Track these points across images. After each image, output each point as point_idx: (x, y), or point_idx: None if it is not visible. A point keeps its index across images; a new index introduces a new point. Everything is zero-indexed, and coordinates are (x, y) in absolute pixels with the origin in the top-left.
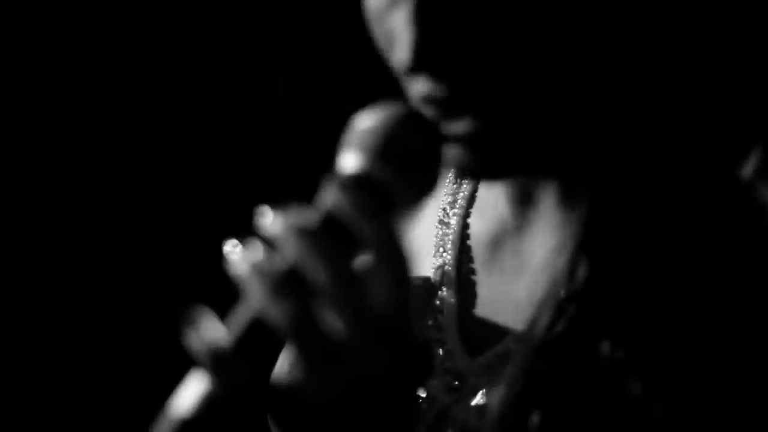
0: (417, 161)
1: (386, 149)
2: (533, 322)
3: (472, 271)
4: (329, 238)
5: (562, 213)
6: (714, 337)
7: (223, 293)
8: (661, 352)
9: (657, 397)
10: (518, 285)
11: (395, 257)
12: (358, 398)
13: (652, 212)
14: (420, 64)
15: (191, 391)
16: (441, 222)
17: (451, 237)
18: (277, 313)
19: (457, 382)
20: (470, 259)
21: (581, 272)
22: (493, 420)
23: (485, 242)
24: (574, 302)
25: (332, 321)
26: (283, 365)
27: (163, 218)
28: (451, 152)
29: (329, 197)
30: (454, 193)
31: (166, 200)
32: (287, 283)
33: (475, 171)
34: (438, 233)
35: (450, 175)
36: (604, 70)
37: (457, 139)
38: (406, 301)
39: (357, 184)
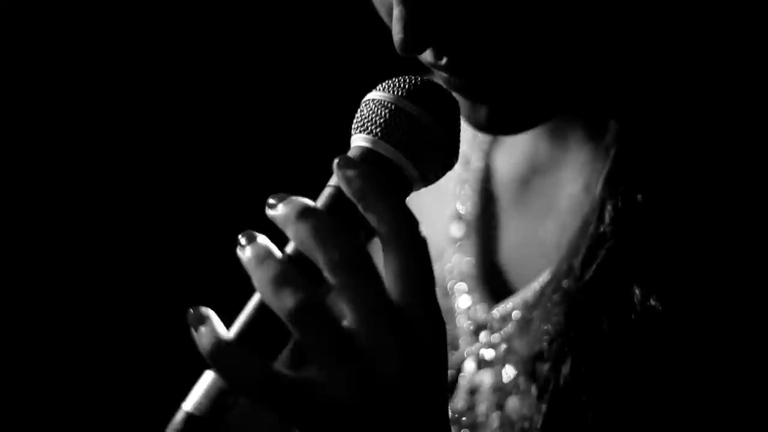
0: (428, 139)
1: (394, 126)
2: (562, 270)
3: (497, 213)
4: (334, 218)
5: (591, 149)
6: (750, 282)
7: (237, 290)
8: (695, 298)
9: (691, 343)
10: (547, 226)
11: (408, 238)
12: (373, 394)
13: (682, 149)
14: (418, 44)
15: (201, 387)
16: (464, 161)
17: (473, 177)
18: (278, 304)
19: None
20: (494, 201)
21: (609, 214)
22: (519, 369)
23: (511, 182)
24: (603, 247)
25: (342, 310)
26: (292, 359)
27: (182, 213)
28: (465, 109)
29: (336, 176)
30: (474, 132)
31: (189, 194)
32: (288, 272)
33: (491, 127)
34: (460, 173)
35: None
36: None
37: (470, 95)
38: (427, 287)
39: (363, 161)
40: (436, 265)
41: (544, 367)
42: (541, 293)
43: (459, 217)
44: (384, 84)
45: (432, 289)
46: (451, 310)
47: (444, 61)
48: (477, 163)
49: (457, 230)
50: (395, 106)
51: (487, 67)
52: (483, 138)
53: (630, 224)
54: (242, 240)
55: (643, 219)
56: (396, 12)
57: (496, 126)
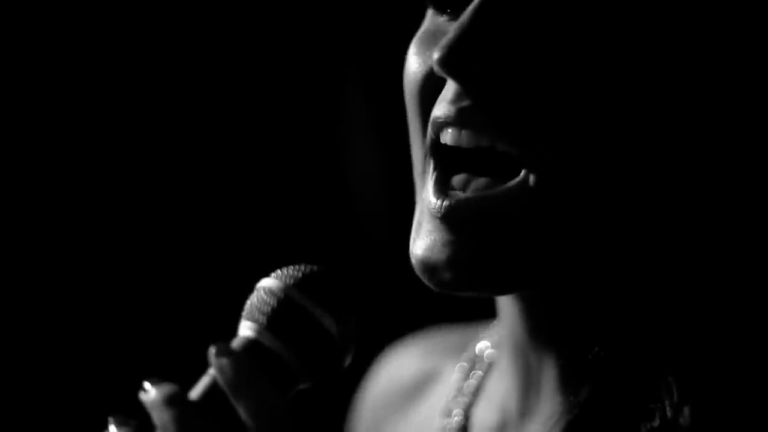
0: (317, 334)
1: (281, 317)
2: None
3: None
4: (200, 408)
5: (562, 401)
6: None
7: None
8: None
9: None
10: None
11: None
12: None
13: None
14: (463, 55)
15: None
16: (444, 412)
17: (451, 428)
18: None
19: None
20: None
21: None
22: None
23: None
24: None
25: None
26: None
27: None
28: (426, 243)
29: (212, 364)
30: (460, 384)
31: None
32: None
33: (452, 267)
34: (440, 424)
35: (458, 366)
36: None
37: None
38: None
39: (244, 351)
40: None
41: None
42: None
43: None
44: (278, 272)
45: None
46: None
47: (465, 103)
48: (457, 415)
49: None
50: (284, 296)
51: (512, 122)
52: (468, 387)
53: None
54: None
55: None
56: (462, 19)
57: (457, 268)
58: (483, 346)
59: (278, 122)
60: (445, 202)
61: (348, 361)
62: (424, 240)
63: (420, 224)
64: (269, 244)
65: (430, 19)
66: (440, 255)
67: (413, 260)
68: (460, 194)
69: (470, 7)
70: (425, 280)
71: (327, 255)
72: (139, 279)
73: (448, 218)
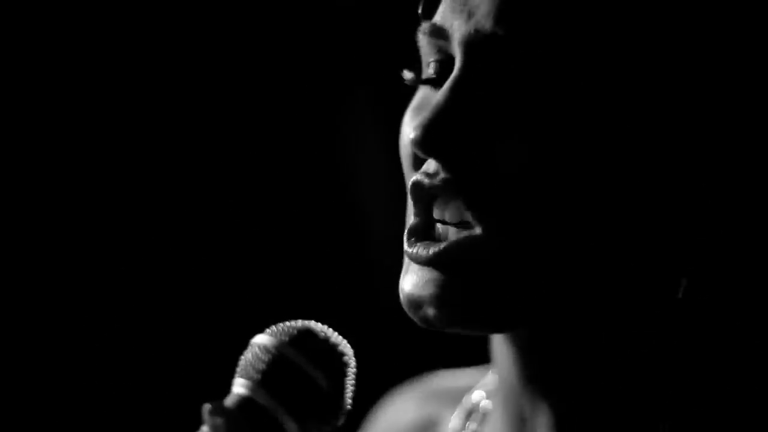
0: (310, 392)
1: (275, 374)
2: None
3: None
4: None
5: None
6: None
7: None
8: None
9: None
10: None
11: None
12: None
13: None
14: (441, 135)
15: None
16: None
17: None
18: None
19: None
20: None
21: None
22: None
23: None
24: None
25: None
26: None
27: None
28: (413, 282)
29: (206, 422)
30: None
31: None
32: None
33: (439, 303)
34: None
35: (454, 415)
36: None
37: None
38: None
39: (238, 408)
40: None
41: None
42: None
43: None
44: (273, 328)
45: None
46: None
47: (443, 175)
48: None
49: None
50: (279, 353)
51: (485, 203)
52: None
53: None
54: None
55: None
56: (437, 99)
57: (440, 305)
58: (479, 395)
59: (281, 130)
60: (430, 251)
61: (342, 419)
62: (412, 276)
63: (409, 263)
64: (268, 287)
65: (422, 88)
66: (424, 291)
67: (401, 296)
68: (442, 244)
69: (444, 87)
70: (411, 315)
71: (332, 280)
72: (131, 333)
73: (434, 263)
